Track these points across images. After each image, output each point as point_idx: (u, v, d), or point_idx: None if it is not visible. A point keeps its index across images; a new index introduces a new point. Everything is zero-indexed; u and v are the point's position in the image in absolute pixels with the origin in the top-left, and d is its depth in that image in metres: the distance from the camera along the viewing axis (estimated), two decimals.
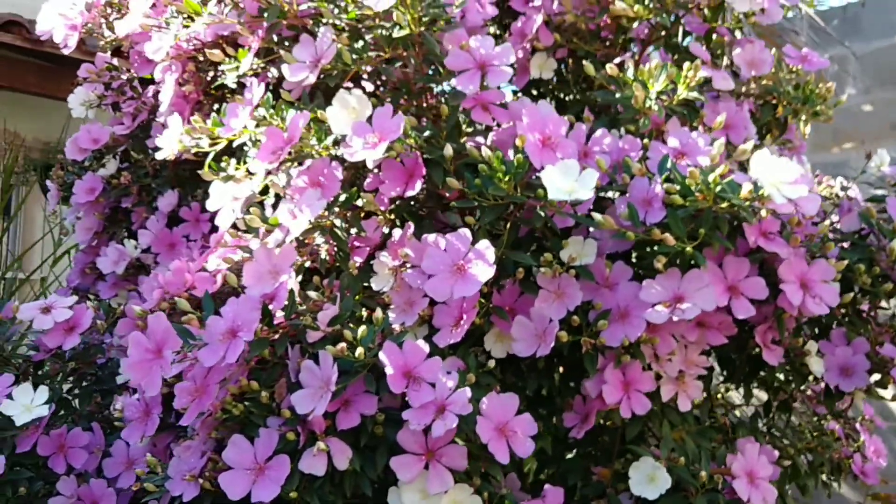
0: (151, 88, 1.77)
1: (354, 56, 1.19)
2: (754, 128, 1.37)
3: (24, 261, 2.59)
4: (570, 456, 1.42)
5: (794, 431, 1.60)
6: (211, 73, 1.54)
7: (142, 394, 1.34)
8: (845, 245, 1.32)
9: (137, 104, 1.76)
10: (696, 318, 1.20)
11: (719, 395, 1.61)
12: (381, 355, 1.09)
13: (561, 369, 1.37)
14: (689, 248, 1.08)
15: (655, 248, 1.13)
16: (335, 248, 1.24)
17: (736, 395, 1.71)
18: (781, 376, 1.38)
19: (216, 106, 1.61)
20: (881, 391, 1.32)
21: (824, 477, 1.59)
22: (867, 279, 1.23)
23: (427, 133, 1.16)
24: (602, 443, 1.43)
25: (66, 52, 1.68)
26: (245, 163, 1.29)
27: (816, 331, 1.38)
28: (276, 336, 1.15)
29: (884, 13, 3.43)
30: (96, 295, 1.80)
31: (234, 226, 1.29)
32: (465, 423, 1.09)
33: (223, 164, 1.31)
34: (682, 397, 1.25)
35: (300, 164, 1.26)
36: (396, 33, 1.15)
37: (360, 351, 1.09)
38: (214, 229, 1.72)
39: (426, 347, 1.11)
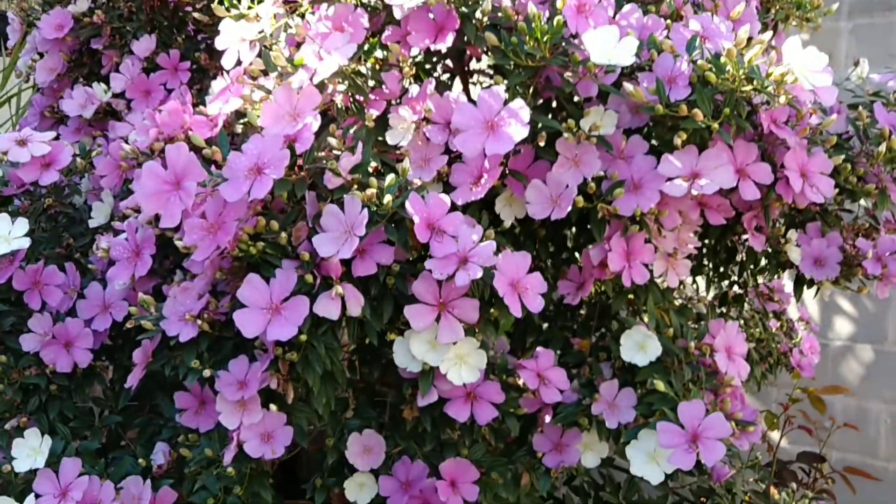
0: None
1: None
2: (759, 24, 1.41)
3: None
4: (546, 326, 1.48)
5: (746, 323, 1.70)
6: None
7: (132, 233, 1.31)
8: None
9: None
10: (697, 198, 1.27)
11: (682, 285, 1.70)
12: (407, 205, 1.10)
13: (551, 247, 1.42)
14: (714, 125, 1.12)
15: (670, 125, 1.18)
16: (350, 98, 1.23)
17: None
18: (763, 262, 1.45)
19: None
20: (846, 283, 1.42)
21: (766, 365, 1.71)
22: (853, 178, 1.30)
23: None
24: (578, 318, 1.49)
25: None
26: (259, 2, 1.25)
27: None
28: (295, 178, 1.14)
29: None
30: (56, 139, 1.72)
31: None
32: (484, 276, 1.11)
33: (235, 3, 1.27)
34: (671, 274, 1.31)
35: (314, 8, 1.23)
36: None
37: (388, 199, 1.09)
38: (194, 80, 1.67)
39: (448, 201, 1.12)
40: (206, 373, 1.17)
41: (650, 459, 1.19)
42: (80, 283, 1.41)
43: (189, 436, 1.28)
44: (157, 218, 1.26)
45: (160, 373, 1.33)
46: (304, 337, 1.13)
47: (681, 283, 1.69)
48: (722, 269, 1.61)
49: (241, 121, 1.34)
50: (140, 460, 1.32)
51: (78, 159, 1.48)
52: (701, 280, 1.68)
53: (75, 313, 1.38)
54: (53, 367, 1.36)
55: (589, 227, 1.22)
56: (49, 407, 1.38)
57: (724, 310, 1.66)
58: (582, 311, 1.48)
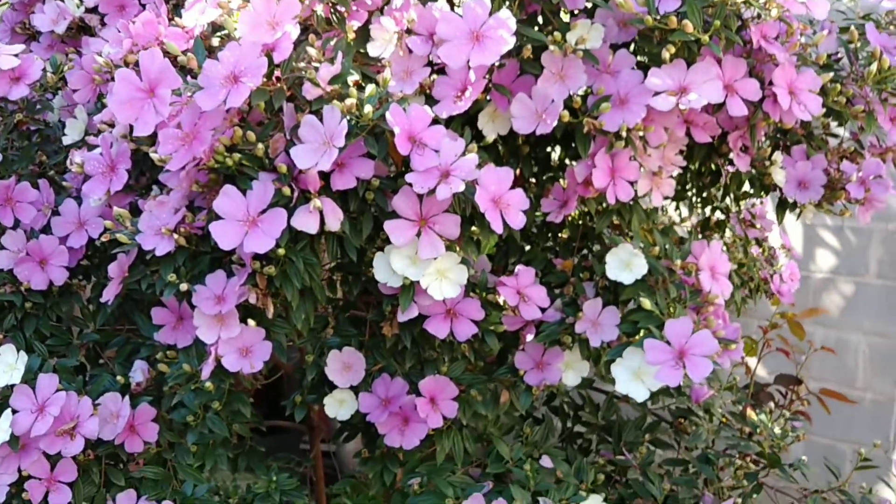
0: None
1: None
2: None
3: None
4: (528, 248, 1.47)
5: (728, 249, 1.70)
6: None
7: (106, 148, 1.28)
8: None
9: None
10: (683, 115, 1.25)
11: (664, 210, 1.69)
12: (388, 116, 1.07)
13: (535, 167, 1.40)
14: (704, 38, 1.09)
15: (659, 39, 1.15)
16: (331, 8, 1.19)
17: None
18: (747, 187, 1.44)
19: None
20: (829, 207, 1.41)
21: (746, 291, 1.71)
22: (841, 99, 1.28)
23: None
24: (561, 239, 1.48)
25: None
26: None
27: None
28: (273, 89, 1.11)
29: None
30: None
31: None
32: (465, 192, 1.10)
33: None
34: (655, 193, 1.30)
35: None
36: None
37: (368, 109, 1.07)
38: None
39: (431, 113, 1.10)
40: (184, 286, 1.15)
41: (635, 377, 1.19)
42: (53, 200, 1.38)
43: (167, 352, 1.28)
44: (131, 131, 1.23)
45: (138, 292, 1.32)
46: (281, 251, 1.11)
47: (663, 209, 1.68)
48: (705, 195, 1.60)
49: (218, 34, 1.30)
50: (118, 378, 1.32)
51: (49, 74, 1.44)
52: (683, 208, 1.68)
53: (50, 231, 1.36)
54: (28, 284, 1.34)
55: (574, 143, 1.21)
56: (25, 324, 1.36)
57: (706, 234, 1.66)
58: (564, 234, 1.47)
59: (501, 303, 1.25)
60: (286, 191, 1.09)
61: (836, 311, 2.61)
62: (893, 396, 2.52)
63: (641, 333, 1.21)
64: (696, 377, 1.13)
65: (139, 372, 1.33)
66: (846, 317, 2.60)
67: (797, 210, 1.41)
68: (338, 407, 1.30)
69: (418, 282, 1.15)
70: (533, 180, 1.38)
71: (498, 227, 1.11)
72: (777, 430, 1.42)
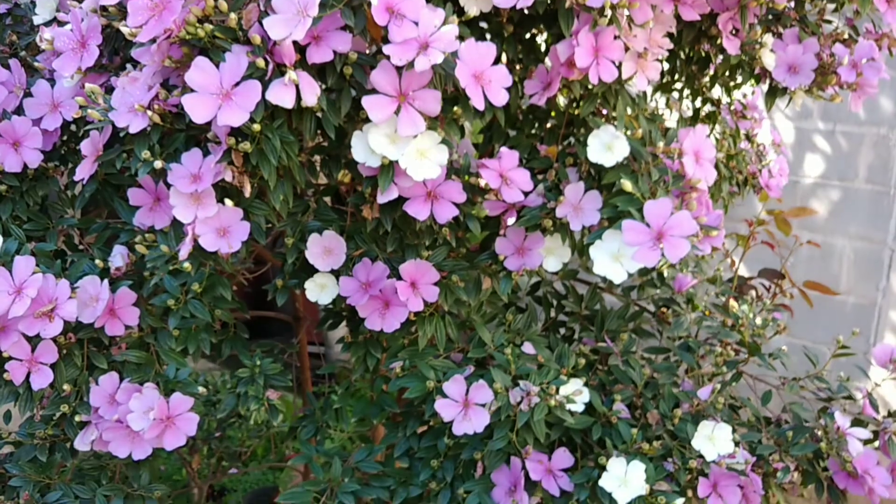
0: None
1: None
2: None
3: None
4: (514, 134, 1.44)
5: (717, 142, 1.68)
6: None
7: (76, 23, 1.24)
8: None
9: None
10: None
11: (654, 101, 1.66)
12: None
13: (520, 52, 1.36)
14: None
15: None
16: None
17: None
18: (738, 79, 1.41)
19: None
20: (820, 93, 1.38)
21: (734, 186, 1.70)
22: None
23: None
24: (546, 127, 1.45)
25: None
26: None
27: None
28: None
29: None
30: None
31: None
32: (445, 66, 1.07)
33: None
34: (640, 76, 1.26)
35: None
36: None
37: None
38: None
39: None
40: (158, 164, 1.13)
41: (614, 259, 1.18)
42: (25, 81, 1.35)
43: (146, 236, 1.26)
44: (102, 8, 1.19)
45: (116, 177, 1.30)
46: (257, 127, 1.09)
47: (655, 101, 1.65)
48: (695, 85, 1.57)
49: None
50: (98, 262, 1.30)
51: None
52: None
53: (23, 112, 1.33)
54: (2, 166, 1.31)
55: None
56: (0, 208, 1.34)
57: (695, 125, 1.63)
58: (550, 123, 1.45)
59: (484, 186, 1.23)
60: (260, 63, 1.06)
61: (824, 214, 2.60)
62: (876, 300, 2.53)
63: (622, 218, 1.19)
64: (674, 258, 1.12)
65: (119, 257, 1.32)
66: (833, 221, 2.60)
67: (787, 96, 1.38)
68: (319, 291, 1.29)
69: (397, 162, 1.13)
70: (519, 66, 1.35)
71: (479, 104, 1.09)
72: (758, 321, 1.43)
